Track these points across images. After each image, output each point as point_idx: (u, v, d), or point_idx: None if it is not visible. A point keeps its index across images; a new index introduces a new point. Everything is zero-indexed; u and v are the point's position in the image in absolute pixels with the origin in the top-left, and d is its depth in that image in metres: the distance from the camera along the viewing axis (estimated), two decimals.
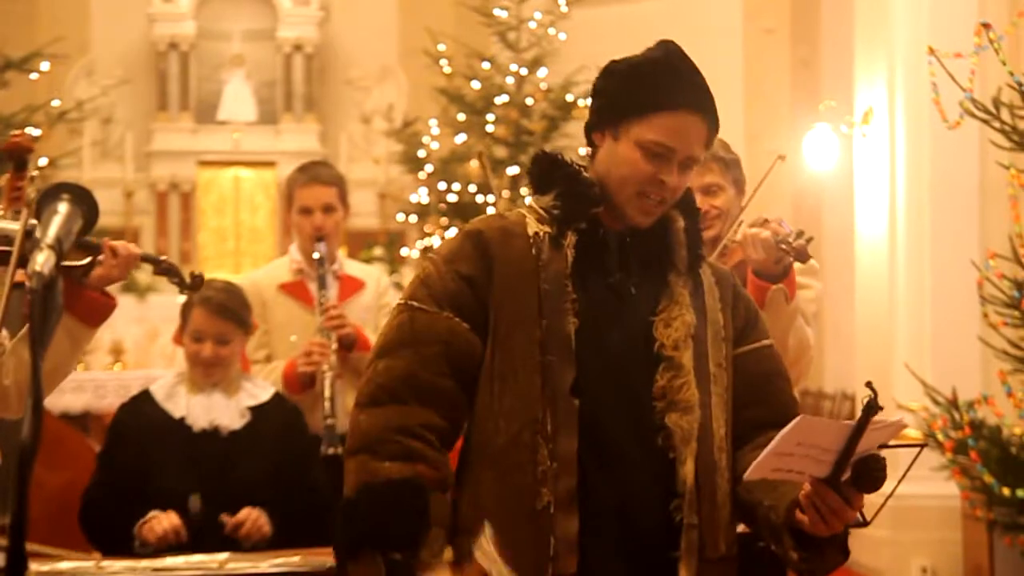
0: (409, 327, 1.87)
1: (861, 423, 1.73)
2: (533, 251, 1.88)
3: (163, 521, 2.95)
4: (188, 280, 2.50)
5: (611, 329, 1.88)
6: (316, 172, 3.68)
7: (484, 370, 1.87)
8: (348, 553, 1.81)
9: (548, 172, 1.94)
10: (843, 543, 1.85)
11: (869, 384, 1.73)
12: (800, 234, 2.72)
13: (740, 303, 2.02)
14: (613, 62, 1.96)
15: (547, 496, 1.80)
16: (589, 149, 1.97)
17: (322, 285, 3.51)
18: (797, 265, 2.89)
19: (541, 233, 1.89)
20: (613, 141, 1.90)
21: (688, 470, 1.84)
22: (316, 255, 3.54)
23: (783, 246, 2.68)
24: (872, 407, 1.71)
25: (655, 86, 1.88)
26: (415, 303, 1.89)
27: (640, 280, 1.92)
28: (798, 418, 1.73)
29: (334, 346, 3.44)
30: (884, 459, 1.77)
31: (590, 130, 1.94)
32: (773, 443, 1.71)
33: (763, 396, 1.97)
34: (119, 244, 2.27)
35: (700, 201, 2.92)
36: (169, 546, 2.91)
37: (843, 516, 1.76)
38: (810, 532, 1.78)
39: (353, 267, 3.77)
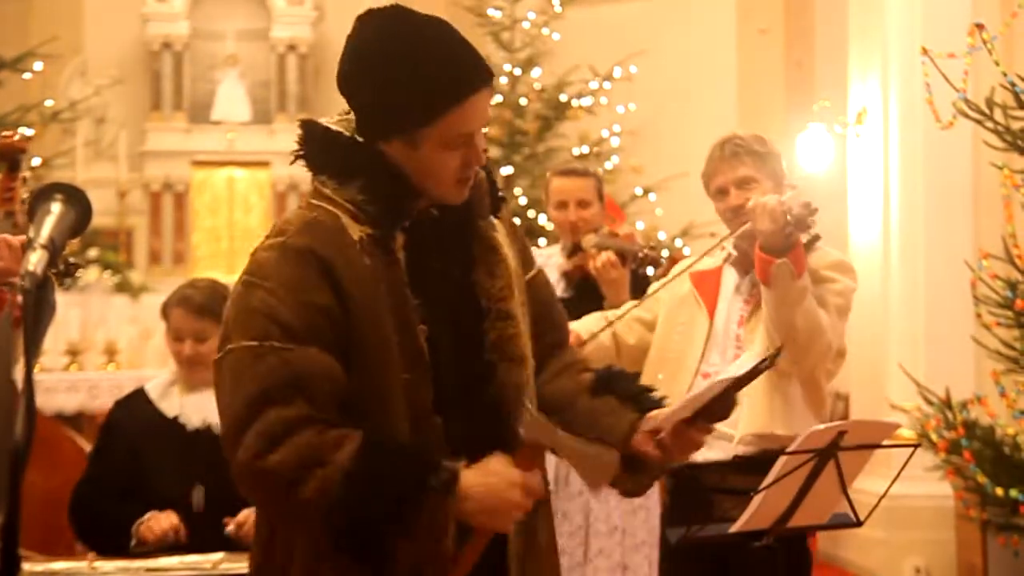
0: (285, 368, 1.66)
1: (747, 376, 1.86)
2: (366, 260, 1.72)
3: (162, 521, 2.96)
4: (62, 267, 2.41)
5: (450, 317, 1.78)
6: None
7: (353, 401, 1.71)
8: (394, 508, 1.63)
9: (344, 155, 1.76)
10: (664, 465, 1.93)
11: (779, 349, 1.88)
12: (806, 205, 2.71)
13: (517, 231, 1.97)
14: (368, 53, 1.75)
15: None
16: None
17: None
18: (825, 259, 2.88)
19: (365, 237, 1.72)
20: (409, 147, 1.74)
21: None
22: None
23: (788, 216, 2.67)
24: (772, 359, 1.86)
25: (441, 85, 1.71)
26: (275, 343, 1.67)
27: (455, 247, 1.81)
28: (717, 382, 1.87)
29: None
30: (733, 395, 1.90)
31: (374, 136, 1.76)
32: (686, 404, 1.85)
33: (552, 321, 1.98)
34: (10, 238, 2.22)
35: (735, 195, 2.92)
36: (167, 546, 2.91)
37: (697, 448, 1.90)
38: (658, 461, 1.87)
39: None
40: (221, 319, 3.12)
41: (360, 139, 1.78)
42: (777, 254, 2.69)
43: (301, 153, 1.82)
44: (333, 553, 1.70)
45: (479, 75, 1.75)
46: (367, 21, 1.78)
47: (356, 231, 1.73)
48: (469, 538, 1.70)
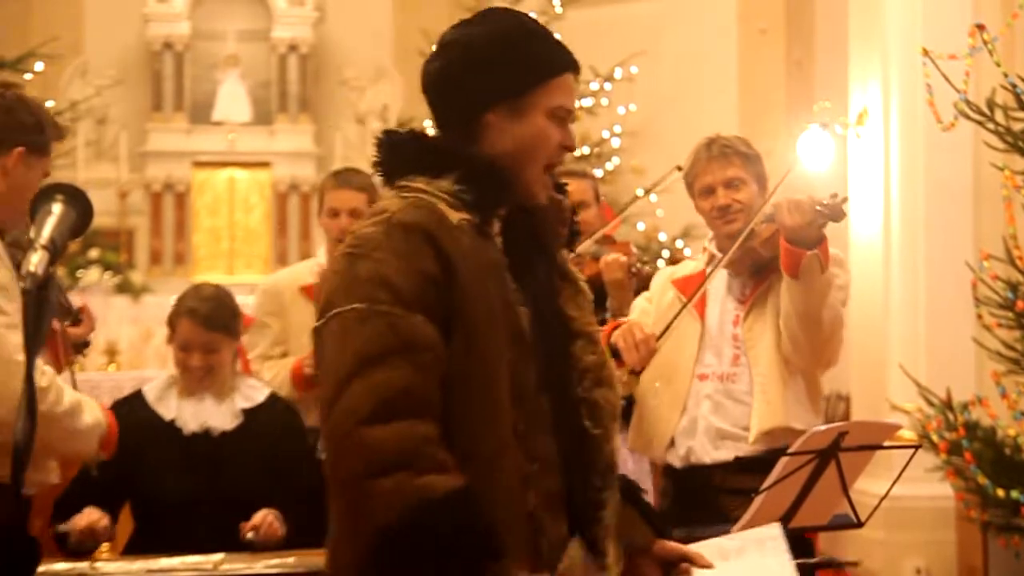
0: (393, 333, 1.67)
1: None
2: (467, 240, 1.75)
3: (80, 519, 2.95)
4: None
5: (539, 313, 1.81)
6: (347, 177, 3.76)
7: (457, 375, 1.71)
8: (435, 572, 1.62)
9: (436, 152, 1.81)
10: None
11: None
12: (834, 195, 2.76)
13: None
14: (464, 36, 1.84)
15: (533, 499, 1.73)
16: (438, 130, 1.86)
17: None
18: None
19: (463, 222, 1.75)
20: (514, 116, 1.79)
21: (616, 446, 1.83)
22: None
23: (818, 207, 2.71)
24: None
25: (544, 52, 1.81)
26: (383, 307, 1.68)
27: (540, 259, 1.86)
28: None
29: None
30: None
31: (476, 110, 1.80)
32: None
33: None
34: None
35: (722, 195, 2.96)
36: (94, 544, 2.93)
37: None
38: None
39: None
40: (228, 329, 3.17)
41: (448, 138, 1.83)
42: (807, 247, 2.72)
43: (380, 162, 1.86)
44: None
45: (573, 58, 1.84)
46: (476, 15, 1.90)
47: (455, 217, 1.75)
48: None
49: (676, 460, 2.92)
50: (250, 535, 2.97)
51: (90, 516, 2.95)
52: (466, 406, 1.72)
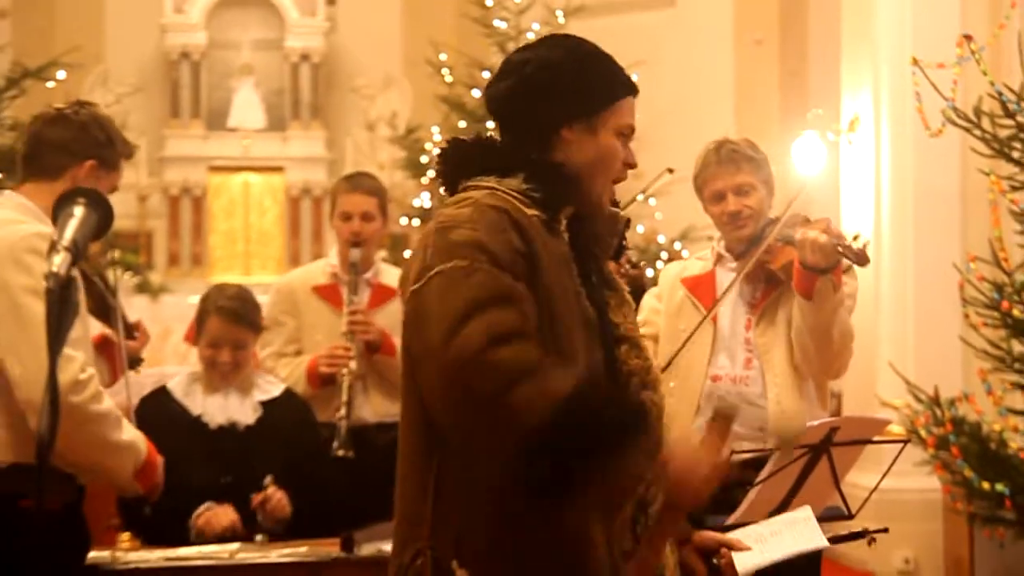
0: (497, 286, 1.69)
1: None
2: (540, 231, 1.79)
3: (221, 517, 3.04)
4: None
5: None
6: (358, 181, 3.79)
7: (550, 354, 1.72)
8: (599, 454, 1.64)
9: (504, 155, 1.84)
10: None
11: None
12: (856, 238, 2.75)
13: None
14: (535, 58, 1.89)
15: None
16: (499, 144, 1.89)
17: (352, 290, 3.59)
18: None
19: (534, 218, 1.79)
20: (589, 132, 1.86)
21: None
22: (351, 260, 3.62)
23: (840, 249, 2.72)
24: None
25: (613, 74, 1.90)
26: (484, 265, 1.70)
27: (592, 265, 1.90)
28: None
29: (354, 351, 3.52)
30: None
31: (553, 126, 1.85)
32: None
33: None
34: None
35: (733, 201, 2.96)
36: (220, 539, 2.99)
37: None
38: None
39: (390, 275, 3.75)
40: (254, 325, 3.29)
41: (516, 143, 1.87)
42: (821, 271, 2.76)
43: (444, 169, 1.89)
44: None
45: (635, 84, 1.95)
46: (538, 40, 1.99)
47: (527, 211, 1.80)
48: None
49: None
50: (256, 504, 3.07)
51: (232, 517, 3.05)
52: None
